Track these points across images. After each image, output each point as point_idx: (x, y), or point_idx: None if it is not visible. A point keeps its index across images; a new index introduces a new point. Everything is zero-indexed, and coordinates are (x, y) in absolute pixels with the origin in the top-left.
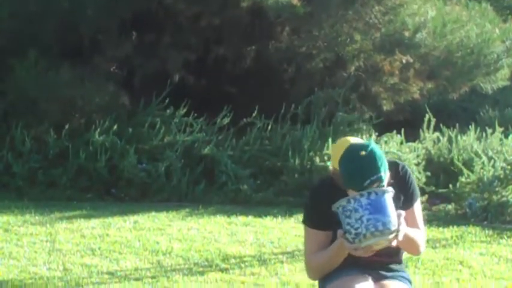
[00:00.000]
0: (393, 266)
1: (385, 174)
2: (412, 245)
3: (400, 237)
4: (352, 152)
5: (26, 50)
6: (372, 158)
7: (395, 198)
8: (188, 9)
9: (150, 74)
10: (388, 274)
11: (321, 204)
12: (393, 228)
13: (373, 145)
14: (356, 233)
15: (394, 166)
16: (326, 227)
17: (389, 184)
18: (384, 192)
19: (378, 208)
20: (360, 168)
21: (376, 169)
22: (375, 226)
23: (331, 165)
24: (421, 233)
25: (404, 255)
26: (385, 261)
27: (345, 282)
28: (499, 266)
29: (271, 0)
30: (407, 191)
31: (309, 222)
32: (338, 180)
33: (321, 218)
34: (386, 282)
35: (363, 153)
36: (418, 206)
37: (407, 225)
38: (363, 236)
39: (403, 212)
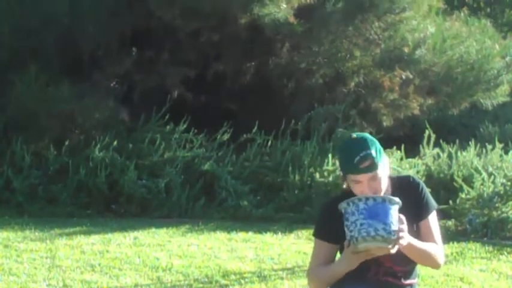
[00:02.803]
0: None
1: (379, 155)
2: (425, 256)
3: (404, 243)
4: (346, 139)
5: (26, 65)
6: (362, 138)
7: (406, 210)
8: (187, 26)
9: (149, 90)
10: None
11: (333, 216)
12: (388, 235)
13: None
14: (350, 236)
15: (405, 180)
16: (334, 240)
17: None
18: (383, 199)
19: (373, 214)
20: (350, 147)
21: (365, 146)
22: (367, 231)
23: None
24: (435, 245)
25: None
26: (395, 282)
27: None
28: (499, 283)
29: (268, 18)
30: (421, 201)
31: (318, 233)
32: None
33: (331, 230)
34: None
35: (354, 136)
36: (433, 218)
37: (421, 238)
38: (355, 240)
39: (403, 217)
